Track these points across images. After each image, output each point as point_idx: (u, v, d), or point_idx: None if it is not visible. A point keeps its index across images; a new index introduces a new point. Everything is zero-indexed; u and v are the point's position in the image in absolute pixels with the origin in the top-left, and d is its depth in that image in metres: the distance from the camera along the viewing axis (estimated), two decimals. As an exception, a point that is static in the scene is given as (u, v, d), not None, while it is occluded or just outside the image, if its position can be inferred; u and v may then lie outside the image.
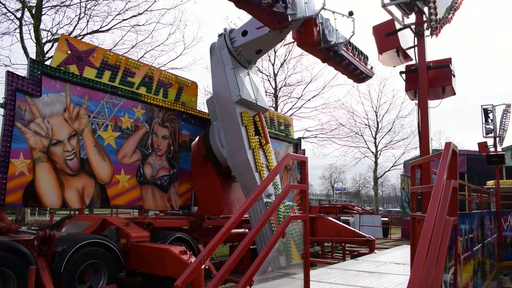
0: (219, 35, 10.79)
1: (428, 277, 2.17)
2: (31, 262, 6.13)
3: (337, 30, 9.68)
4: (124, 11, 19.80)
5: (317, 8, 9.19)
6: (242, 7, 8.00)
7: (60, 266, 6.48)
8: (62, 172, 8.51)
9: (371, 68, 11.38)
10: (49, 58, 17.15)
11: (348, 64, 10.41)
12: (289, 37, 10.75)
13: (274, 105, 26.10)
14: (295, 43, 10.07)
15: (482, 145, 14.37)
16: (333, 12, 9.52)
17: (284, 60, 26.85)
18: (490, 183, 17.09)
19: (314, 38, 9.24)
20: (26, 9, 17.92)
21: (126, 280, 8.57)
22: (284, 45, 22.74)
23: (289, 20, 8.44)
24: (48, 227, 8.86)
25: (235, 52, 10.42)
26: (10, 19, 18.40)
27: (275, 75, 27.17)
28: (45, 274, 6.31)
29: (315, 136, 28.99)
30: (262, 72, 25.85)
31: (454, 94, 6.41)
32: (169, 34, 21.54)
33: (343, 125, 31.49)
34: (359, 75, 11.13)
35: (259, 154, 10.15)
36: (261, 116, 10.68)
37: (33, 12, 17.88)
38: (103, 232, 7.97)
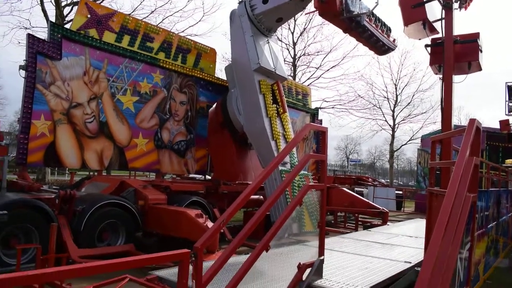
0: (240, 2, 10.60)
1: (445, 252, 2.20)
2: (53, 219, 6.34)
3: (360, 0, 9.43)
4: (144, -26, 19.54)
5: None
6: None
7: (80, 224, 6.71)
8: (81, 134, 8.67)
9: (394, 40, 11.10)
10: (68, 21, 17.14)
11: (371, 35, 10.16)
12: (311, 6, 10.50)
13: (292, 74, 25.84)
14: (317, 12, 9.84)
15: (504, 123, 14.13)
16: None
17: (304, 29, 26.40)
18: (510, 161, 16.85)
19: (337, 8, 9.00)
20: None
21: (143, 240, 8.81)
22: (306, 14, 22.22)
23: None
24: (68, 187, 9.11)
25: (255, 20, 10.25)
26: (30, -20, 18.35)
27: (294, 44, 26.79)
28: (66, 231, 6.55)
29: (333, 107, 28.81)
30: (281, 41, 25.48)
31: (480, 69, 6.26)
32: (188, 0, 21.16)
33: (361, 97, 31.18)
34: (381, 47, 10.89)
35: (276, 122, 10.14)
36: (279, 85, 10.60)
37: (53, -27, 17.77)
38: (122, 193, 8.16)
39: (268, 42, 10.63)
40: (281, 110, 10.46)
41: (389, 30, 10.91)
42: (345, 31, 10.05)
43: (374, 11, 9.80)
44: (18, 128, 8.14)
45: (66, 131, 8.42)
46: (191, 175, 11.80)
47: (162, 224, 7.76)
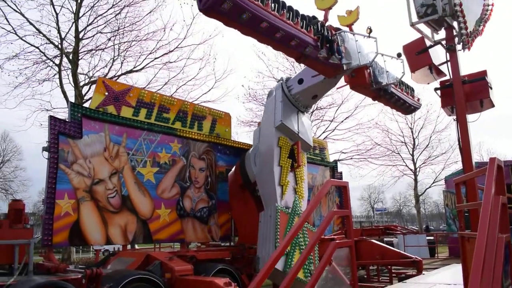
0: (278, 81, 11.11)
1: (485, 299, 2.10)
2: (81, 300, 6.26)
3: (387, 72, 9.97)
4: (155, 50, 20.46)
5: (367, 51, 9.48)
6: (302, 61, 8.66)
7: (108, 303, 6.58)
8: (105, 210, 8.73)
9: (418, 99, 11.71)
10: (87, 100, 17.84)
11: (398, 99, 10.85)
12: (342, 81, 10.91)
13: (307, 130, 25.95)
14: (348, 86, 10.41)
15: (528, 155, 13.80)
16: (382, 55, 9.77)
17: (314, 84, 26.82)
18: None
19: (366, 80, 9.69)
20: (64, 56, 18.84)
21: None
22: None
23: (344, 68, 8.94)
24: (94, 265, 9.05)
25: (293, 99, 10.45)
26: (49, 66, 19.37)
27: (306, 100, 27.17)
28: (94, 312, 6.42)
29: (351, 158, 28.54)
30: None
31: (493, 106, 6.24)
32: (200, 69, 21.91)
33: (378, 145, 30.87)
34: (408, 108, 11.68)
35: (287, 173, 10.05)
36: (299, 145, 10.53)
37: (71, 57, 18.77)
38: (148, 267, 8.07)
39: (298, 113, 10.75)
40: (296, 165, 10.37)
41: (412, 90, 11.61)
42: (374, 98, 10.68)
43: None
44: (43, 209, 8.25)
45: (90, 208, 8.50)
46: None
47: (190, 296, 7.58)
